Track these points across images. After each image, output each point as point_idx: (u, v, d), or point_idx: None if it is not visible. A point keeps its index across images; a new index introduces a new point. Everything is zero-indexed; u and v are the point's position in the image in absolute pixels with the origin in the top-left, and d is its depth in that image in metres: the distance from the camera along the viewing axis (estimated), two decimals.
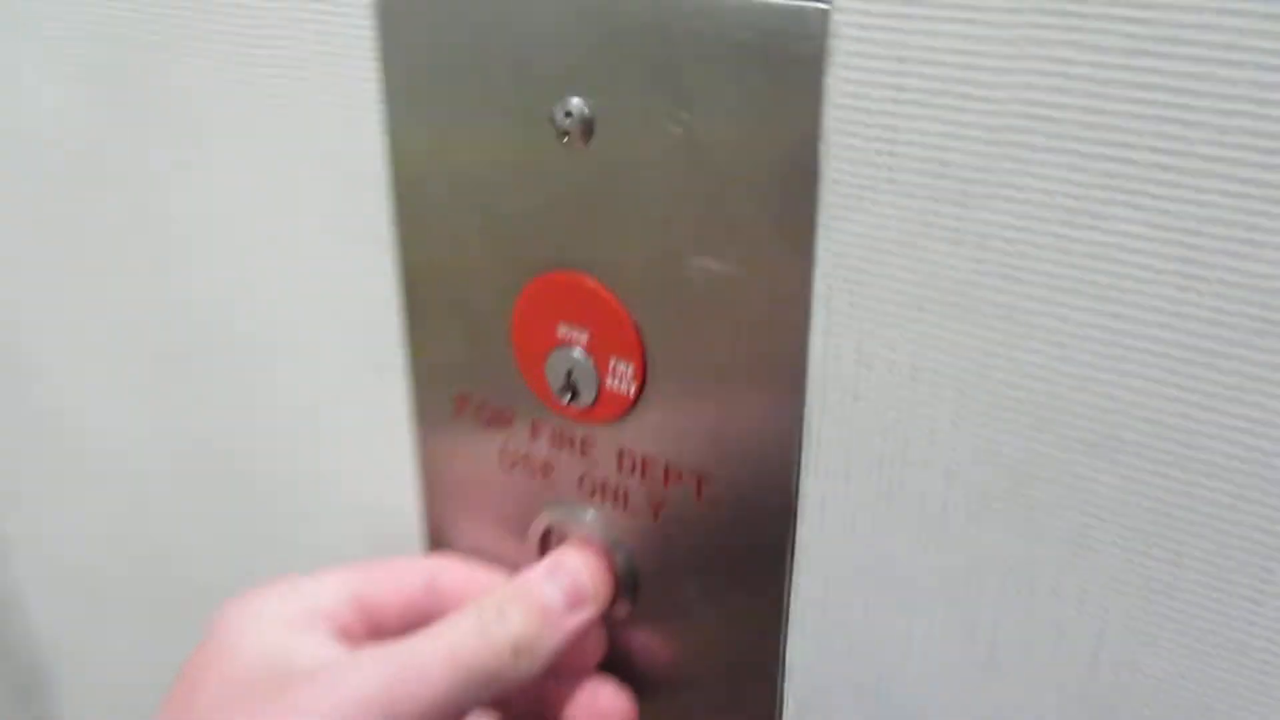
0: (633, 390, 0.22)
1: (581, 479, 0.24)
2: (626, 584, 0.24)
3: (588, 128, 0.20)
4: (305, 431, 0.29)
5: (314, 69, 0.24)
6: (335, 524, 0.30)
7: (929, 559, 0.20)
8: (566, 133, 0.20)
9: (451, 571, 0.25)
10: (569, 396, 0.23)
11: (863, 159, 0.18)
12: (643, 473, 0.23)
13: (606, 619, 0.25)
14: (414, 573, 0.24)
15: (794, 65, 0.18)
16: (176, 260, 0.29)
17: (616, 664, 0.25)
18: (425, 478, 0.27)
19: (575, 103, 0.20)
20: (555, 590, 0.23)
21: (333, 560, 0.24)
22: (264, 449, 0.31)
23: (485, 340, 0.24)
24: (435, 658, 0.21)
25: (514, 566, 0.25)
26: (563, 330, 0.22)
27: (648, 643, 0.25)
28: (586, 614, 0.23)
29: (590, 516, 0.24)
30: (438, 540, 0.27)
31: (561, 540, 0.25)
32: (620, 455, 0.23)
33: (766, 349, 0.20)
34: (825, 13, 0.17)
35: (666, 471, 0.22)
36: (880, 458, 0.20)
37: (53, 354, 0.35)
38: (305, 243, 0.26)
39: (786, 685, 0.23)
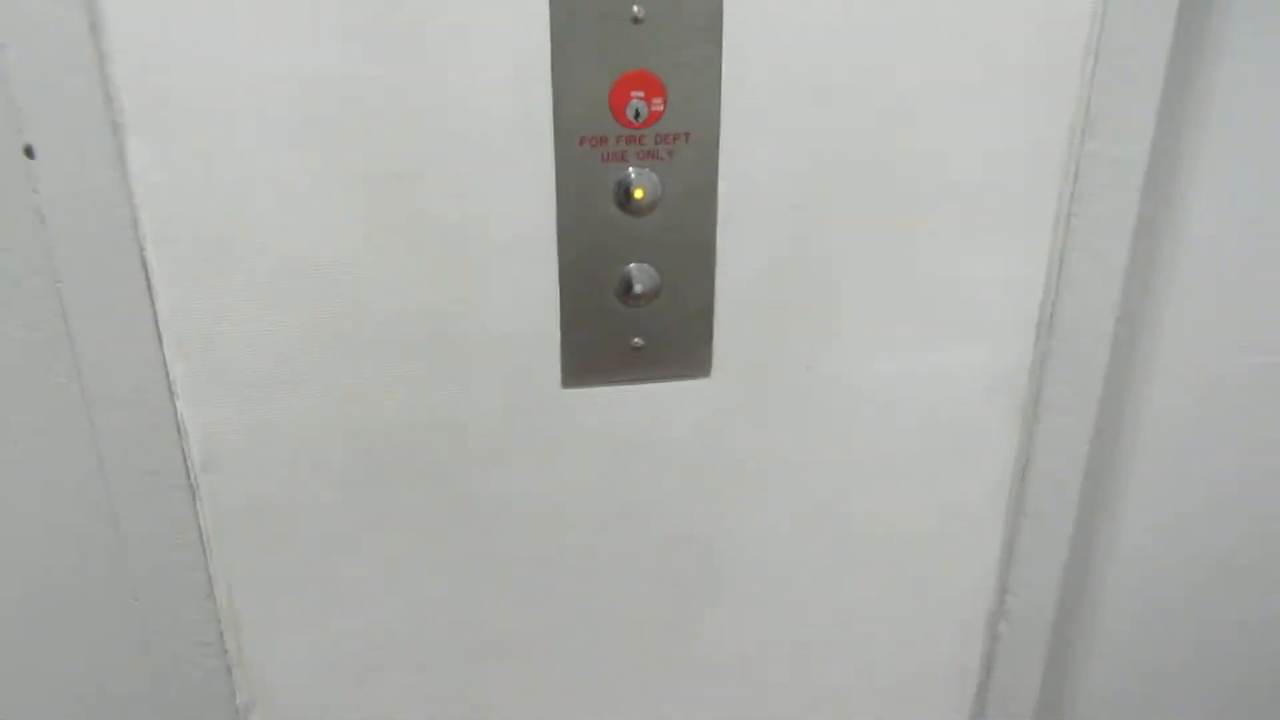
0: (661, 108, 0.62)
1: (639, 153, 0.63)
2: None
3: None
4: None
5: None
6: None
7: None
8: None
9: None
10: (634, 117, 0.62)
11: None
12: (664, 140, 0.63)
13: None
14: None
15: None
16: None
17: None
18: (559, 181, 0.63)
19: None
20: None
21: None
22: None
23: (594, 102, 0.61)
24: None
25: None
26: (634, 93, 0.61)
27: None
28: None
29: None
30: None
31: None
32: (656, 137, 0.63)
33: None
34: None
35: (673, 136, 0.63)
36: None
37: None
38: None
39: None
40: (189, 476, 0.66)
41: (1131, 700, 1.01)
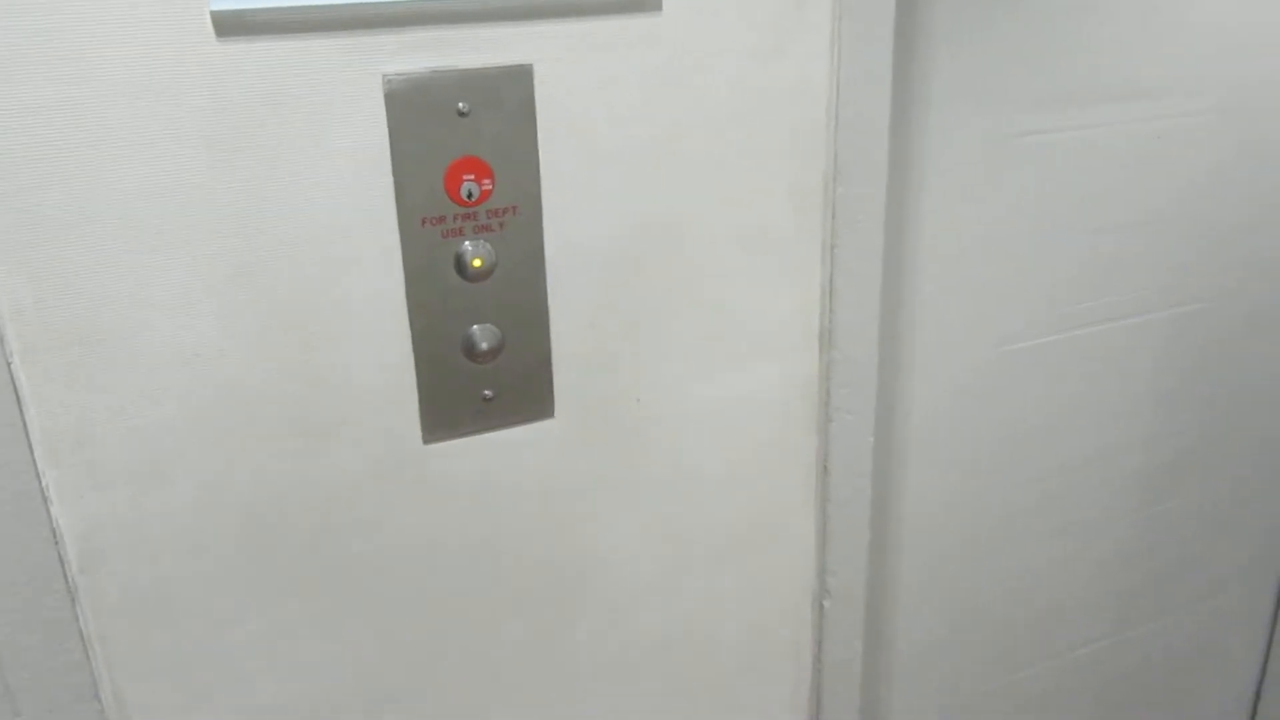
0: (490, 187, 0.71)
1: (474, 228, 0.71)
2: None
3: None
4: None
5: None
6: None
7: None
8: None
9: None
10: (468, 196, 0.70)
11: None
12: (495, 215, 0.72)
13: None
14: None
15: None
16: None
17: None
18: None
19: None
20: None
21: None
22: None
23: (431, 187, 0.69)
24: None
25: None
26: (465, 176, 0.70)
27: None
28: None
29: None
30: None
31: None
32: (487, 212, 0.71)
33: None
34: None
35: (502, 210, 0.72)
36: None
37: None
38: None
39: None
40: (66, 580, 0.67)
41: (940, 645, 1.17)
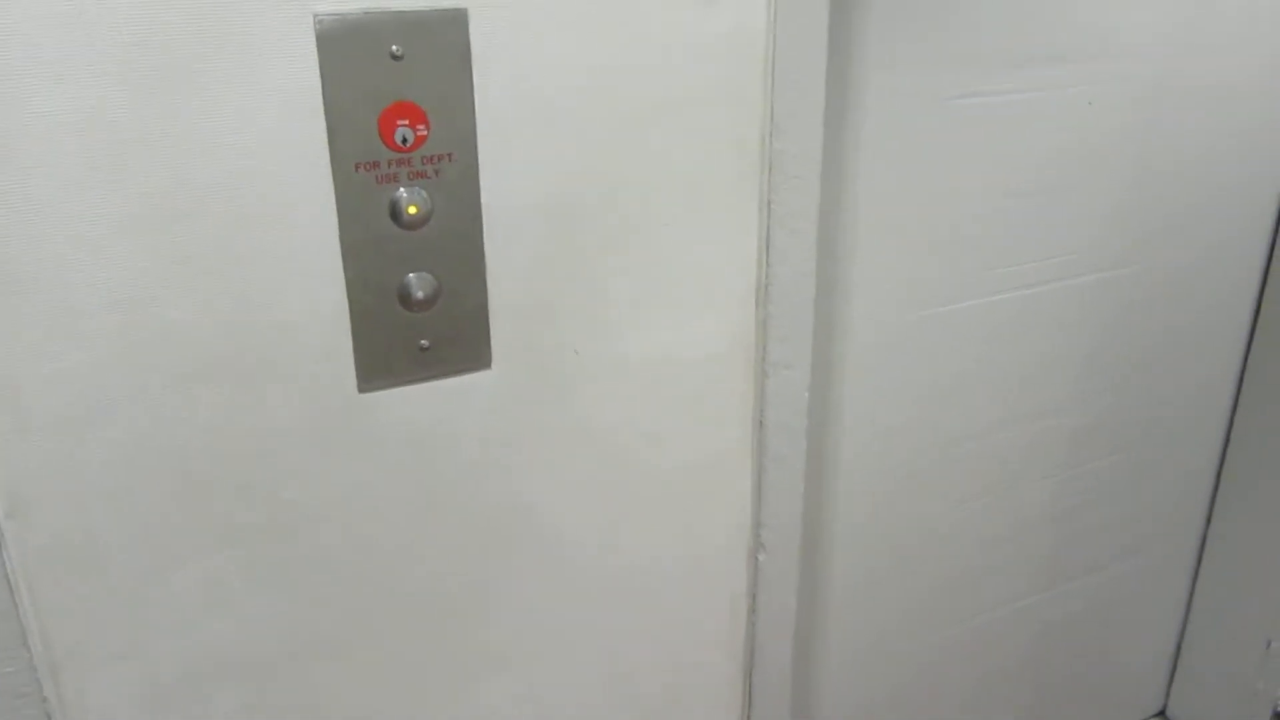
0: (425, 133, 0.71)
1: (409, 174, 0.71)
2: None
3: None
4: None
5: None
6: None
7: None
8: None
9: None
10: (402, 142, 0.70)
11: None
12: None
13: None
14: None
15: None
16: None
17: None
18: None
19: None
20: None
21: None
22: None
23: (364, 132, 0.69)
24: None
25: None
26: (400, 121, 0.70)
27: None
28: None
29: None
30: None
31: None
32: (422, 159, 0.71)
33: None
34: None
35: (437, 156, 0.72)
36: None
37: None
38: None
39: None
40: None
41: (873, 598, 1.19)
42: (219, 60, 0.63)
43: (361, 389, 0.75)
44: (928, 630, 1.27)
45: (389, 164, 0.70)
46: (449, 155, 0.72)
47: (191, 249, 0.66)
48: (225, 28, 0.62)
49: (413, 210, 0.72)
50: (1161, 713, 1.65)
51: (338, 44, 0.66)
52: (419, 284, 0.74)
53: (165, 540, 0.72)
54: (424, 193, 0.72)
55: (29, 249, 0.62)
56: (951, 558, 1.24)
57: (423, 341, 0.76)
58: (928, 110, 0.98)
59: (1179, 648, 1.57)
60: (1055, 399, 1.21)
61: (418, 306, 0.75)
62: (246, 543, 0.75)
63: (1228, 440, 1.41)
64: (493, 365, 0.79)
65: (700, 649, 1.00)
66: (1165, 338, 1.27)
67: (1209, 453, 1.41)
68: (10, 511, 0.67)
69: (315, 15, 0.64)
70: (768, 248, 0.87)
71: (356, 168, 0.69)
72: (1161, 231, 1.20)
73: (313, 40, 0.65)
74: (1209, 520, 1.46)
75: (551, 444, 0.84)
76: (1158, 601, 1.50)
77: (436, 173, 0.72)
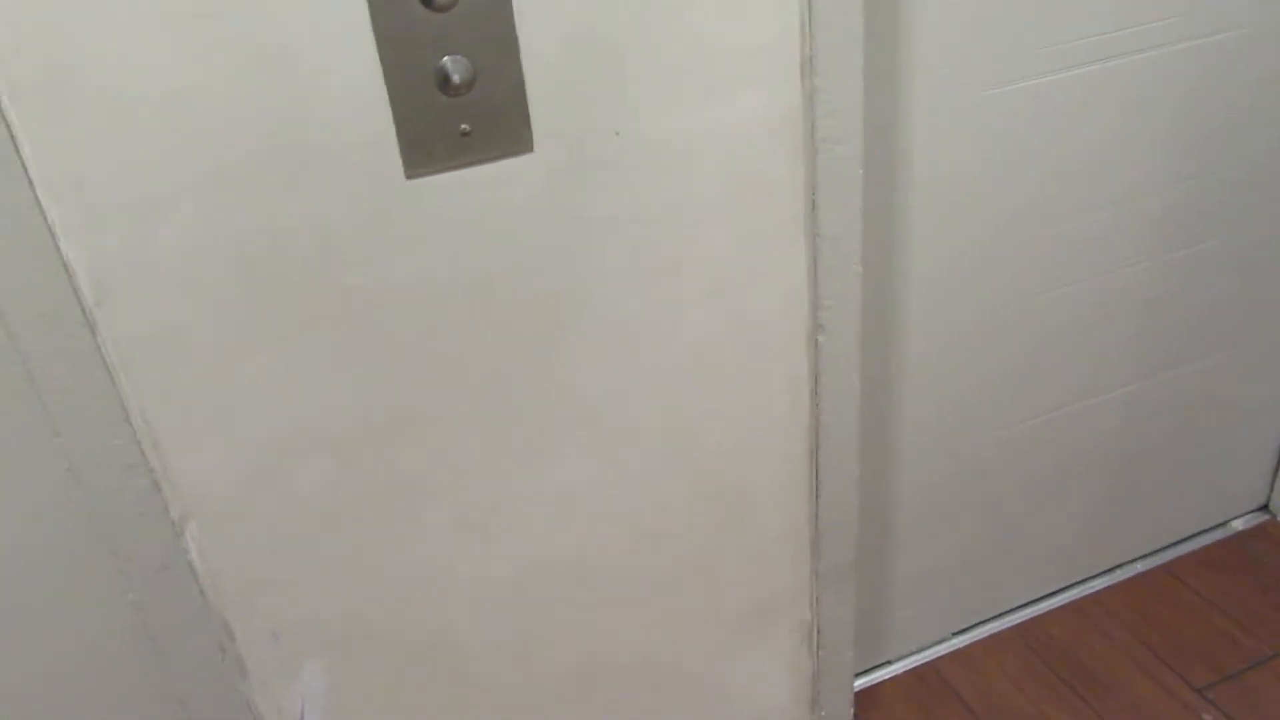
0: None
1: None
2: None
3: None
4: None
5: None
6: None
7: None
8: None
9: None
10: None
11: None
12: None
13: None
14: None
15: None
16: None
17: None
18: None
19: None
20: None
21: None
22: None
23: None
24: None
25: None
26: None
27: None
28: None
29: None
30: None
31: None
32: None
33: None
34: None
35: None
36: None
37: None
38: None
39: None
40: (84, 312, 0.73)
41: (946, 378, 1.20)
42: None
43: (409, 175, 0.78)
44: (1005, 418, 1.27)
45: None
46: None
47: (232, 45, 0.69)
48: None
49: None
50: (1264, 506, 1.62)
51: None
52: (455, 67, 0.76)
53: (242, 326, 0.77)
54: None
55: (80, 46, 0.65)
56: (1029, 347, 1.22)
57: (463, 126, 0.78)
58: None
59: None
60: (1152, 179, 1.16)
61: (455, 91, 0.76)
62: (315, 327, 0.80)
63: None
64: (534, 148, 0.81)
65: (765, 434, 1.03)
66: (1257, 106, 1.19)
67: None
68: (98, 300, 0.73)
69: None
70: (810, 18, 0.85)
71: None
72: None
73: None
74: None
75: (597, 228, 0.86)
76: (1258, 395, 1.46)
77: None
